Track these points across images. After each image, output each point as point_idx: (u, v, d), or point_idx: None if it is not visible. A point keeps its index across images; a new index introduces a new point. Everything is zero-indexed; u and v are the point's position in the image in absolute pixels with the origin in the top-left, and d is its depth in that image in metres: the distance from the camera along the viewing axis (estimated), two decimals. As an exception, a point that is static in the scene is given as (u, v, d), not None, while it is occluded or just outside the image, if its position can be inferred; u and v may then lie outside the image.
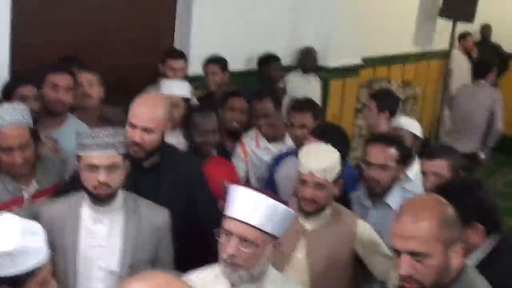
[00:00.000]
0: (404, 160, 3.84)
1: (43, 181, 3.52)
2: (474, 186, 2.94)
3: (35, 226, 2.30)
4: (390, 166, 3.71)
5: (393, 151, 3.73)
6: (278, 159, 4.47)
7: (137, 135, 3.35)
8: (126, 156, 3.11)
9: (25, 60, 4.84)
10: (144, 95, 3.65)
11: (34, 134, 3.46)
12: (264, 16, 6.64)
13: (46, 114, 4.14)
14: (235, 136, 4.88)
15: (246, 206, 2.48)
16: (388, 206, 3.73)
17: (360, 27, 7.53)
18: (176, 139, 4.42)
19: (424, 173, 3.77)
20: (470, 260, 2.73)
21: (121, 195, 3.11)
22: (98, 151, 2.98)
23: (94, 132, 3.02)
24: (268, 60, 6.54)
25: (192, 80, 5.51)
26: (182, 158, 3.73)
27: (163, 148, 3.52)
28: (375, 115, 5.22)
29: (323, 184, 3.26)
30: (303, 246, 3.34)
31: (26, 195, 3.45)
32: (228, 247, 2.47)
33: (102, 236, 3.06)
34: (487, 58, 8.64)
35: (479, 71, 7.54)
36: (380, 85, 8.43)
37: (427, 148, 4.10)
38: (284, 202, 2.59)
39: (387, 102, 5.31)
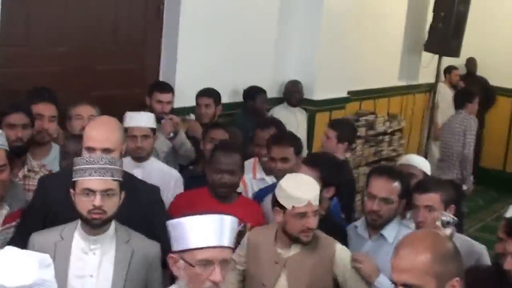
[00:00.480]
0: (406, 194, 3.80)
1: (13, 204, 3.55)
2: None
3: (47, 258, 2.28)
4: (393, 200, 3.70)
5: (396, 185, 3.72)
6: (259, 197, 4.40)
7: None
8: (122, 184, 3.12)
9: (12, 92, 4.87)
10: (96, 119, 3.68)
11: (10, 158, 3.50)
12: (249, 48, 6.69)
13: (33, 144, 4.19)
14: None
15: (216, 231, 2.51)
16: (384, 238, 3.73)
17: (346, 60, 7.61)
18: (142, 170, 4.38)
19: (415, 206, 3.75)
20: None
21: (113, 225, 3.12)
22: (95, 176, 3.01)
23: (92, 157, 3.07)
24: (254, 93, 6.55)
25: (177, 113, 5.55)
26: (139, 184, 3.69)
27: None
28: (334, 144, 5.24)
29: (318, 210, 3.34)
30: (284, 273, 3.37)
31: None
32: (213, 275, 2.47)
33: (93, 266, 3.05)
34: (467, 88, 8.76)
35: (458, 101, 7.71)
36: (367, 118, 8.51)
37: (418, 182, 4.09)
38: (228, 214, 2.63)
39: (347, 133, 5.38)
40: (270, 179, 4.68)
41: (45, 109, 4.28)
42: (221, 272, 2.48)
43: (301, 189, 3.33)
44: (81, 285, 3.04)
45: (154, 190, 3.75)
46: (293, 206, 3.29)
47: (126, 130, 4.42)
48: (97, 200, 2.99)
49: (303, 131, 7.03)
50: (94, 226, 3.05)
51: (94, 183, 3.01)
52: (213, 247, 2.50)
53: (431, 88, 9.89)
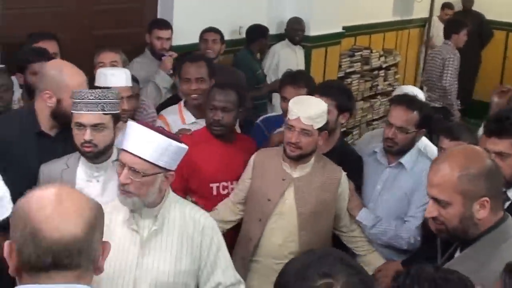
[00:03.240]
0: (425, 124, 3.82)
1: None
2: None
3: None
4: (409, 130, 3.73)
5: (414, 115, 3.73)
6: (268, 122, 4.53)
7: None
8: (116, 116, 3.24)
9: (14, 31, 4.97)
10: None
11: None
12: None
13: None
14: None
15: (139, 141, 2.74)
16: (402, 165, 3.80)
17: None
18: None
19: (441, 148, 3.81)
20: None
21: (115, 152, 3.25)
22: (84, 111, 3.13)
23: (83, 92, 3.17)
24: (264, 31, 6.67)
25: (175, 50, 5.62)
26: None
27: None
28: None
29: (309, 130, 3.45)
30: (291, 192, 3.57)
31: None
32: (121, 176, 2.76)
33: (97, 192, 3.17)
34: (456, 19, 8.76)
35: (446, 31, 7.76)
36: (362, 53, 8.58)
37: (447, 126, 4.09)
38: (176, 139, 2.84)
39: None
40: (202, 121, 4.10)
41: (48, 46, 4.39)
42: (128, 176, 2.74)
43: (299, 104, 3.49)
44: None
45: None
46: (288, 118, 3.50)
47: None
48: (87, 135, 3.14)
49: (302, 68, 7.10)
50: (88, 157, 3.22)
51: (84, 117, 3.14)
52: (129, 152, 2.76)
53: (425, 23, 9.93)
